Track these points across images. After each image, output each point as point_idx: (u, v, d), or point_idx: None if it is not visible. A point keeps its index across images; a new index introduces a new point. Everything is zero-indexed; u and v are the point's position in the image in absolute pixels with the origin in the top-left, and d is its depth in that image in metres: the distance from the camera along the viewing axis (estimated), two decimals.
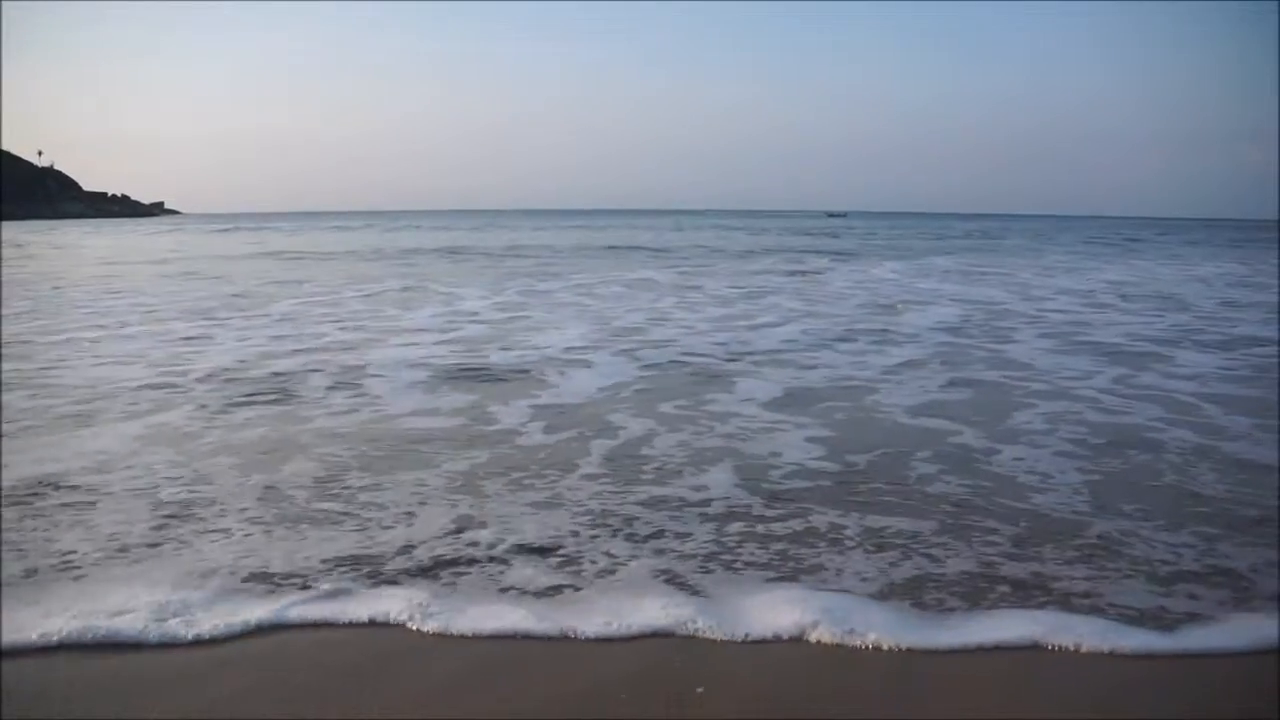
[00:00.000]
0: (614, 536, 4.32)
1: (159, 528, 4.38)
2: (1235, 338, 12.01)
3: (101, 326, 12.25)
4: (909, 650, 3.22)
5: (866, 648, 3.24)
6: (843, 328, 12.50)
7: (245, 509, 4.67)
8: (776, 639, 3.31)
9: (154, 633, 3.26)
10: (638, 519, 4.57)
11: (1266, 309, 16.02)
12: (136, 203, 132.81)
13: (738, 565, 4.00)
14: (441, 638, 3.32)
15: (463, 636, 3.32)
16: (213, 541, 4.21)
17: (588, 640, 3.30)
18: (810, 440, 6.19)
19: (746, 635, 3.32)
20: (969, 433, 6.42)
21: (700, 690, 2.93)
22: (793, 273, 24.23)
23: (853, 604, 3.58)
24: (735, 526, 4.49)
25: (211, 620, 3.37)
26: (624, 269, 24.47)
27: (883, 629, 3.33)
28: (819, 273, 24.55)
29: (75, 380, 8.23)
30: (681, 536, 4.34)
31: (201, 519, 4.52)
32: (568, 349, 10.35)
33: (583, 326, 12.44)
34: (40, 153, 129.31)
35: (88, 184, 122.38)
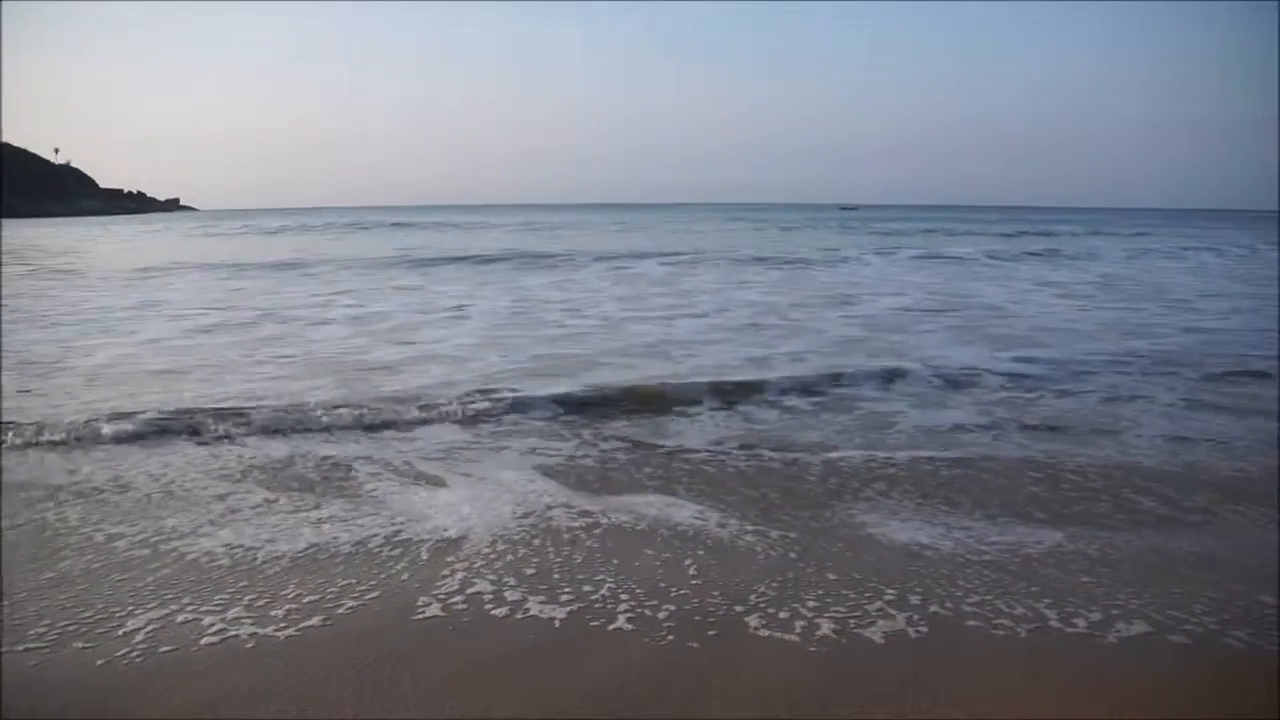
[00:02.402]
0: None
1: None
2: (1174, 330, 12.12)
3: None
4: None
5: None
6: (757, 319, 13.07)
7: None
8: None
9: None
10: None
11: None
12: (152, 199, 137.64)
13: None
14: None
15: None
16: None
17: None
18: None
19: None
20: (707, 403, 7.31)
21: None
22: (793, 267, 24.62)
23: None
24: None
25: None
26: None
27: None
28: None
29: None
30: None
31: None
32: (457, 345, 11.10)
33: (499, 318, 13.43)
34: (57, 150, 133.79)
35: (103, 181, 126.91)
